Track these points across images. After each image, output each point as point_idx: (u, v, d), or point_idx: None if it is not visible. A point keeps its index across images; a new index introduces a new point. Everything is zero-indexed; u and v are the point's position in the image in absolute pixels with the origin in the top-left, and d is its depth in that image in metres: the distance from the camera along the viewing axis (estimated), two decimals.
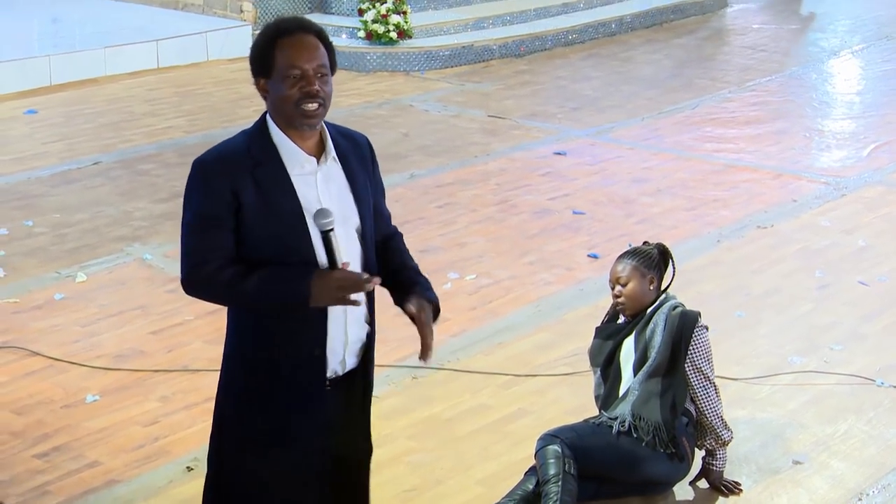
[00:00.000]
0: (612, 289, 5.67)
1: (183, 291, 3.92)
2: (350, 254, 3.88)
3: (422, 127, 11.80)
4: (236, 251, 3.83)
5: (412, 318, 3.99)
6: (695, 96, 13.21)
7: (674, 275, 5.74)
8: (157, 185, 9.90)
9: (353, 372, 4.05)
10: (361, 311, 4.00)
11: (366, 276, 3.82)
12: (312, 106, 3.80)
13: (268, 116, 3.92)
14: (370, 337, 4.08)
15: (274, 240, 3.81)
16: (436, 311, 4.05)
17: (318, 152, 3.91)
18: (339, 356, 3.97)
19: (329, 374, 3.96)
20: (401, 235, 4.29)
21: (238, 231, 3.81)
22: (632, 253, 5.70)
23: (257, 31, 4.02)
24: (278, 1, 15.10)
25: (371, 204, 4.01)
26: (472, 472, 5.83)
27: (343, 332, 3.95)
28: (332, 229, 3.75)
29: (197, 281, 3.87)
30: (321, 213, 3.75)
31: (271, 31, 3.87)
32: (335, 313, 3.90)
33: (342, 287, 3.76)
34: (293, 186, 3.83)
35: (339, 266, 3.78)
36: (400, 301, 4.04)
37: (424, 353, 3.98)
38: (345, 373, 4.02)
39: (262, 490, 4.01)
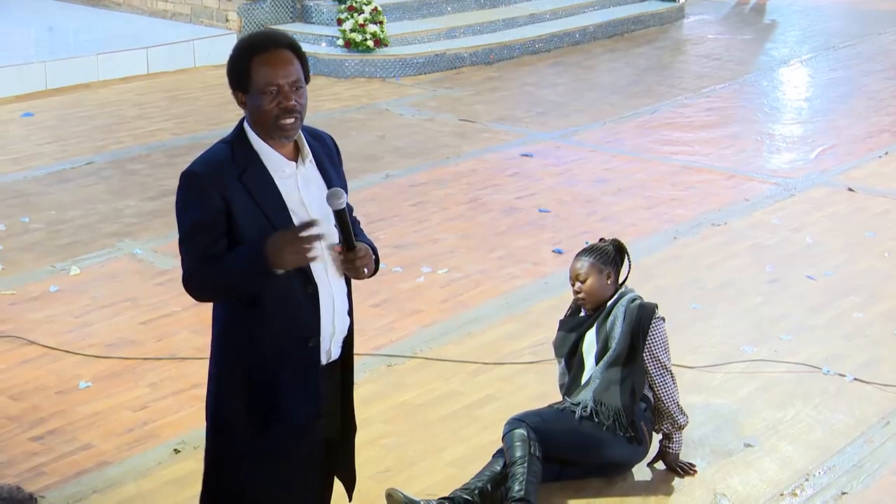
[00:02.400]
0: (573, 286, 5.69)
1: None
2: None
3: (397, 130, 11.78)
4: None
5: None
6: (653, 102, 13.23)
7: (630, 268, 5.76)
8: (147, 184, 9.86)
9: (334, 363, 4.05)
10: (345, 304, 4.01)
11: (307, 222, 3.72)
12: (290, 121, 3.79)
13: (245, 124, 3.90)
14: (351, 329, 4.08)
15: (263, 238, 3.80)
16: (376, 262, 4.04)
17: (295, 155, 3.91)
18: (327, 346, 3.97)
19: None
20: (357, 221, 4.22)
21: (230, 232, 3.80)
22: (589, 250, 5.71)
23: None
24: (262, 11, 15.04)
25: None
26: (443, 454, 5.84)
27: (331, 323, 3.95)
28: (344, 208, 3.78)
29: (194, 283, 3.86)
30: (334, 194, 3.77)
31: (246, 48, 3.84)
32: (325, 306, 3.91)
33: (290, 242, 3.67)
34: (278, 188, 3.83)
35: (354, 241, 3.82)
36: None
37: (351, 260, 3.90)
38: (329, 362, 4.02)
39: (259, 472, 3.99)
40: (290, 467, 3.99)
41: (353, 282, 4.05)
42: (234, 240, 3.81)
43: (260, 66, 3.79)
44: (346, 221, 3.80)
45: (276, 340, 3.87)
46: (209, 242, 3.80)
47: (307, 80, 3.88)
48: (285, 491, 4.02)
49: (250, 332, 3.90)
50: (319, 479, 4.14)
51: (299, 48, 3.89)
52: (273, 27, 14.75)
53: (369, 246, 3.98)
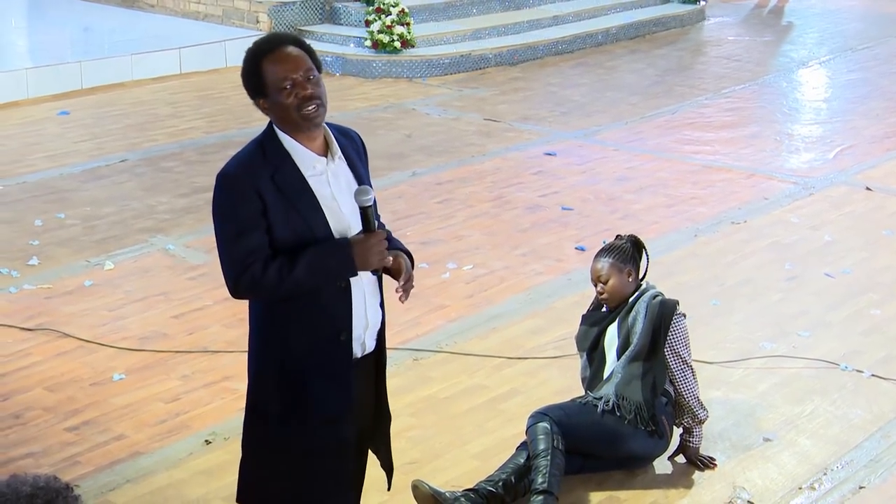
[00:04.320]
0: (595, 286, 5.67)
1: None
2: None
3: (423, 129, 11.77)
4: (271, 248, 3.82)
5: (389, 269, 4.01)
6: (674, 102, 13.17)
7: (648, 263, 5.74)
8: (179, 181, 9.88)
9: (369, 354, 4.05)
10: (376, 296, 4.01)
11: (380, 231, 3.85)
12: (311, 108, 3.79)
13: (274, 125, 3.90)
14: (383, 322, 4.08)
15: (296, 235, 3.79)
16: (410, 260, 4.08)
17: (324, 150, 3.90)
18: (361, 339, 3.96)
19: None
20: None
21: (267, 230, 3.79)
22: (607, 250, 5.69)
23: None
24: (291, 12, 15.05)
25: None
26: (468, 446, 5.82)
27: (364, 316, 3.94)
28: (370, 206, 3.79)
29: (246, 285, 3.80)
30: (362, 191, 3.79)
31: (254, 54, 3.85)
32: (357, 301, 3.90)
33: (381, 245, 3.79)
34: (309, 186, 3.82)
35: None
36: None
37: (405, 291, 4.03)
38: (363, 355, 4.01)
39: (292, 464, 3.99)
40: (323, 459, 3.98)
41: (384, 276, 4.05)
42: (269, 236, 3.79)
43: (270, 66, 3.80)
44: (369, 218, 3.80)
45: (309, 335, 3.86)
46: (255, 245, 3.76)
47: (319, 71, 3.87)
48: (318, 482, 4.01)
49: (285, 327, 3.89)
50: (352, 470, 4.13)
51: (304, 42, 3.89)
52: (302, 28, 14.76)
53: (402, 251, 4.03)
